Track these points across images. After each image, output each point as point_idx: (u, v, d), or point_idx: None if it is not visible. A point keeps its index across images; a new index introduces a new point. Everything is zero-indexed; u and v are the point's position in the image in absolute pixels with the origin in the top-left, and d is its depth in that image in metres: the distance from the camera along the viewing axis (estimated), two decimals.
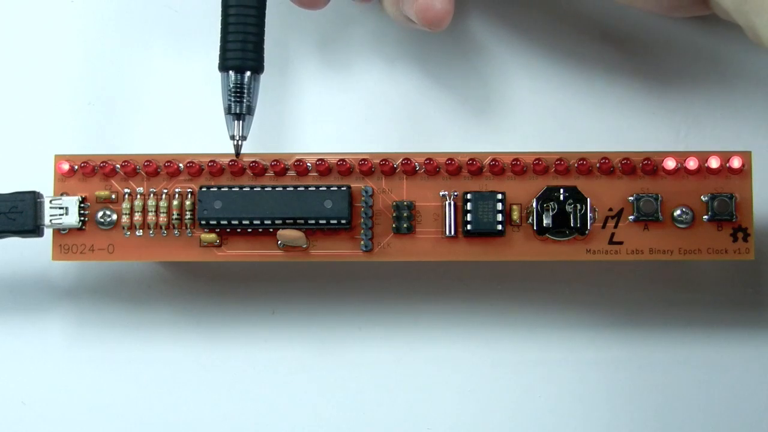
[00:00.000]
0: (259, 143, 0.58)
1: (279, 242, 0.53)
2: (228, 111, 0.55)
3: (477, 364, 0.58)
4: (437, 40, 0.60)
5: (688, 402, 0.58)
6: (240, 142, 0.55)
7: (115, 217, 0.54)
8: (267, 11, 0.55)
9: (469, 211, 0.53)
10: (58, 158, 0.54)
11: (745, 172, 0.53)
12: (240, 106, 0.54)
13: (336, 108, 0.59)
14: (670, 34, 0.59)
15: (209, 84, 0.59)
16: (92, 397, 0.59)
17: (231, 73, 0.55)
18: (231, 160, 0.54)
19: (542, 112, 0.59)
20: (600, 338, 0.58)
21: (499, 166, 0.53)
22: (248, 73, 0.55)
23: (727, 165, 0.53)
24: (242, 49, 0.54)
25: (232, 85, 0.55)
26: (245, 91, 0.54)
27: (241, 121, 0.55)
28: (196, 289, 0.59)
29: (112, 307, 0.59)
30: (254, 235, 0.54)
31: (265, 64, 0.55)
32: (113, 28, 0.60)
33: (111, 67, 0.60)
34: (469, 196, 0.53)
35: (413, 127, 0.59)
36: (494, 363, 0.58)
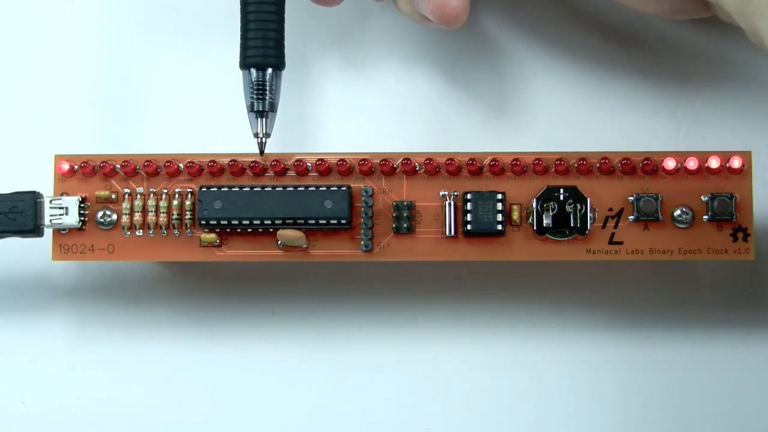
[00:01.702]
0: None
1: (279, 242, 0.53)
2: (251, 108, 0.54)
3: (477, 364, 0.58)
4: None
5: (688, 402, 0.58)
6: (264, 140, 0.54)
7: (115, 217, 0.54)
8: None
9: (469, 211, 0.53)
10: (58, 158, 0.54)
11: (745, 172, 0.53)
12: (263, 103, 0.54)
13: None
14: (671, 35, 0.59)
15: (210, 84, 0.60)
16: (92, 397, 0.59)
17: (252, 70, 0.54)
18: (231, 160, 0.54)
19: (542, 111, 0.59)
20: (600, 338, 0.58)
21: (499, 166, 0.53)
22: (270, 70, 0.54)
23: (727, 165, 0.53)
24: (263, 46, 0.54)
25: (253, 83, 0.54)
26: (267, 88, 0.54)
27: (264, 119, 0.54)
28: (196, 289, 0.59)
29: (112, 307, 0.59)
30: (254, 235, 0.54)
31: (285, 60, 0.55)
32: (113, 28, 0.60)
33: (111, 67, 0.60)
34: (469, 196, 0.53)
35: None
36: (494, 363, 0.58)
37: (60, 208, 0.54)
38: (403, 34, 0.60)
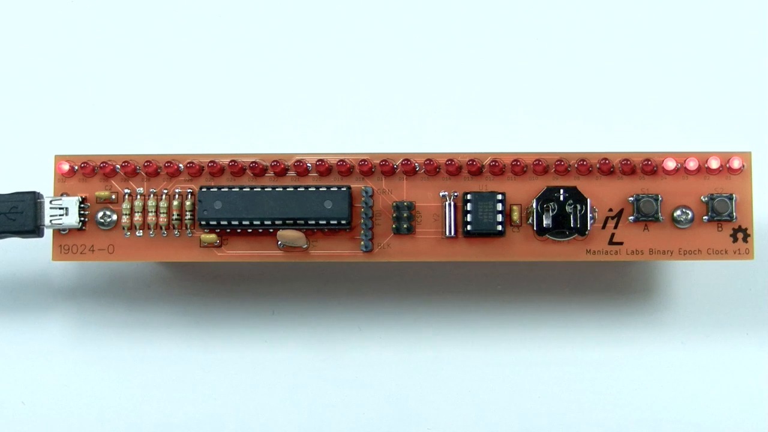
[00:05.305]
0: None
1: (279, 243, 0.53)
2: None
3: (477, 364, 0.58)
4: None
5: (687, 402, 0.58)
6: None
7: (115, 217, 0.54)
8: None
9: (469, 212, 0.53)
10: (58, 158, 0.54)
11: (745, 172, 0.53)
12: None
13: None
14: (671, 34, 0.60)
15: (210, 83, 0.60)
16: (92, 397, 0.59)
17: None
18: (231, 161, 0.54)
19: (543, 110, 0.59)
20: (599, 338, 0.58)
21: (499, 167, 0.53)
22: None
23: (727, 165, 0.53)
24: None
25: None
26: None
27: None
28: (196, 289, 0.59)
29: (112, 307, 0.59)
30: (254, 236, 0.54)
31: None
32: (113, 28, 0.60)
33: (111, 67, 0.60)
34: (469, 197, 0.53)
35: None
36: (494, 363, 0.58)
37: (60, 208, 0.54)
38: None
